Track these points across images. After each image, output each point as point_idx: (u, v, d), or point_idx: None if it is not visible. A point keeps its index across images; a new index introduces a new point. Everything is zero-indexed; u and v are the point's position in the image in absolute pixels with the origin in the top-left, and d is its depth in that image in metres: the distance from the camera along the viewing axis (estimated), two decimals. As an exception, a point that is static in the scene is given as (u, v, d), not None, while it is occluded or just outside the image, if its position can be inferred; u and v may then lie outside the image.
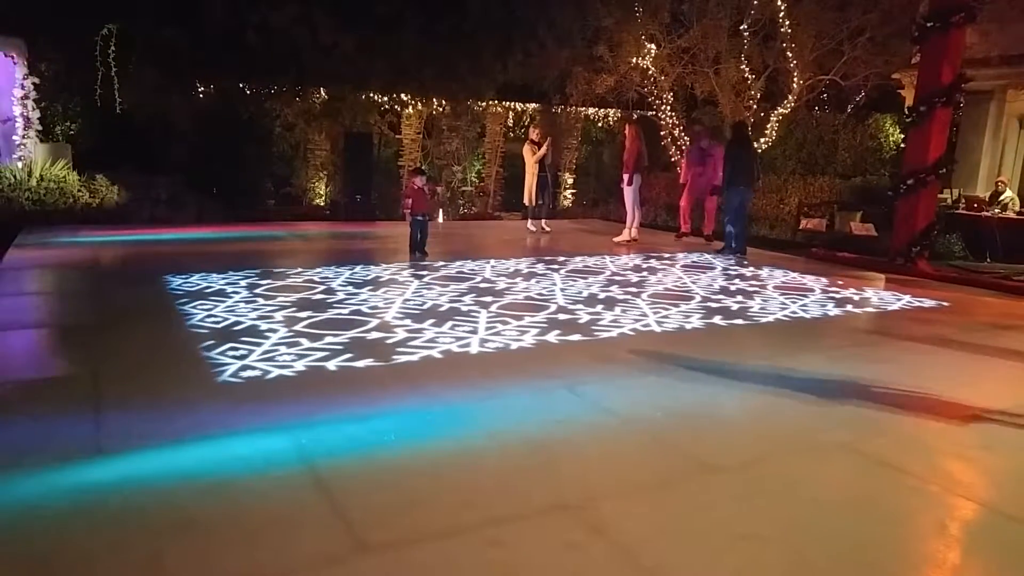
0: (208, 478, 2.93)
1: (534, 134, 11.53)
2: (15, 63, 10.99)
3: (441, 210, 13.37)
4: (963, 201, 11.58)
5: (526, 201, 11.60)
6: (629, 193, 10.69)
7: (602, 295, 6.75)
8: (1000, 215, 10.55)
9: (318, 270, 7.52)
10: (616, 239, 10.72)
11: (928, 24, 8.68)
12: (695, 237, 11.37)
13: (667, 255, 9.58)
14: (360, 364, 4.45)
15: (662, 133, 15.13)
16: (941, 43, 8.64)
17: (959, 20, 8.50)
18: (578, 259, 8.89)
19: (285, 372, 4.23)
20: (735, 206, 9.74)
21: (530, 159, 11.33)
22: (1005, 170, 12.84)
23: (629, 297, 6.71)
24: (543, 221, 11.74)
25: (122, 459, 3.07)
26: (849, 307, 6.73)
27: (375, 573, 2.35)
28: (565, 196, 16.28)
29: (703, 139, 11.46)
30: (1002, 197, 11.31)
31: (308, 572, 2.33)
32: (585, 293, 6.81)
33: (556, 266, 8.32)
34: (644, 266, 8.62)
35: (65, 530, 2.53)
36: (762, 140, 14.48)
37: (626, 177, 10.66)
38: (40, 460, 3.03)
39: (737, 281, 7.80)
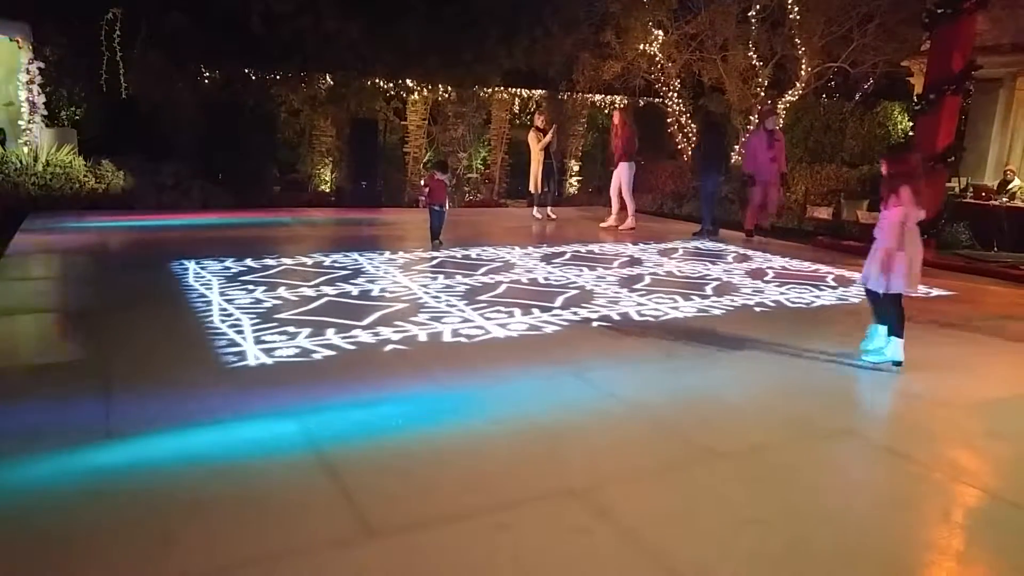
0: (217, 462, 2.95)
1: (539, 121, 11.49)
2: (20, 47, 10.97)
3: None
4: (971, 190, 11.50)
5: (531, 188, 11.58)
6: (625, 180, 10.62)
7: (606, 282, 6.75)
8: (1008, 204, 10.47)
9: (327, 255, 7.53)
10: (620, 227, 10.68)
11: (939, 11, 8.58)
12: (760, 235, 10.06)
13: (669, 243, 9.56)
14: (369, 350, 4.47)
15: (668, 120, 15.03)
16: (951, 30, 8.55)
17: (970, 6, 8.40)
18: (582, 246, 8.89)
19: (293, 357, 4.26)
20: (711, 191, 10.44)
21: (535, 146, 11.29)
22: (1014, 159, 12.71)
23: (633, 284, 6.71)
24: (548, 208, 11.72)
25: (132, 443, 3.10)
26: (854, 295, 6.71)
27: (382, 557, 2.37)
28: (570, 183, 16.23)
29: (769, 120, 10.12)
30: (1010, 186, 11.23)
31: (316, 555, 2.36)
32: (589, 280, 6.81)
33: (561, 253, 8.32)
34: (646, 253, 8.60)
35: (77, 513, 2.57)
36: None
37: (624, 165, 10.60)
38: (51, 444, 3.06)
39: (741, 268, 7.79)
